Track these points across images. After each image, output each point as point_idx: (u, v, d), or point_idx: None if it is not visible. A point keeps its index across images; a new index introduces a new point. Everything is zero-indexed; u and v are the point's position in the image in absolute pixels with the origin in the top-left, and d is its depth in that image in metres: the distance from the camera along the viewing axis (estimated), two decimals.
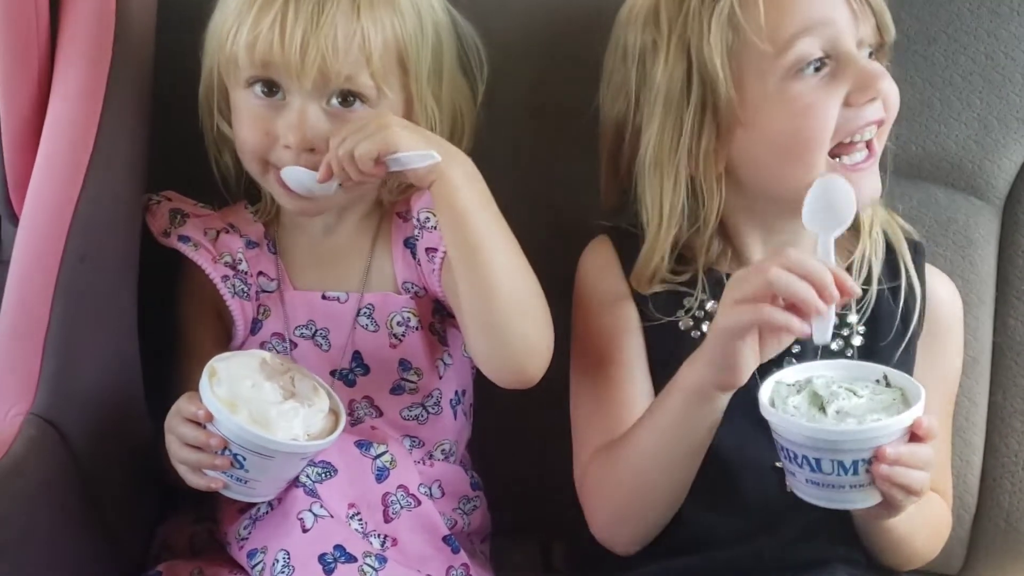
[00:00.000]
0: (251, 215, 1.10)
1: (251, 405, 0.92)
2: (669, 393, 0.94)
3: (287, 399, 0.94)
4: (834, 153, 0.96)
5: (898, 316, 1.02)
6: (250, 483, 0.93)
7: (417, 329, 1.06)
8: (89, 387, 0.99)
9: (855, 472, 0.84)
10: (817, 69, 0.95)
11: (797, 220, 0.93)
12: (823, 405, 0.86)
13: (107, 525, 1.02)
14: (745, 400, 0.98)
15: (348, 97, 0.99)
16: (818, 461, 0.84)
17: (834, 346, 1.01)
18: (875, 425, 0.84)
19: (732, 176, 1.00)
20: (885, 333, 1.02)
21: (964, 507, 1.14)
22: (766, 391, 0.88)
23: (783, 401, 0.87)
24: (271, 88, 0.99)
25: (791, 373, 0.90)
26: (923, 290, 1.04)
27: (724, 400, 0.92)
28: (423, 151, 0.92)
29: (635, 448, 0.96)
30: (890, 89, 0.97)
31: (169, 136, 1.09)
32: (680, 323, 1.02)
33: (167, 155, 1.09)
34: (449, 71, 1.06)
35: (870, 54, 0.98)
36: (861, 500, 0.86)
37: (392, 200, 1.09)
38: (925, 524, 1.00)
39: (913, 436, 0.85)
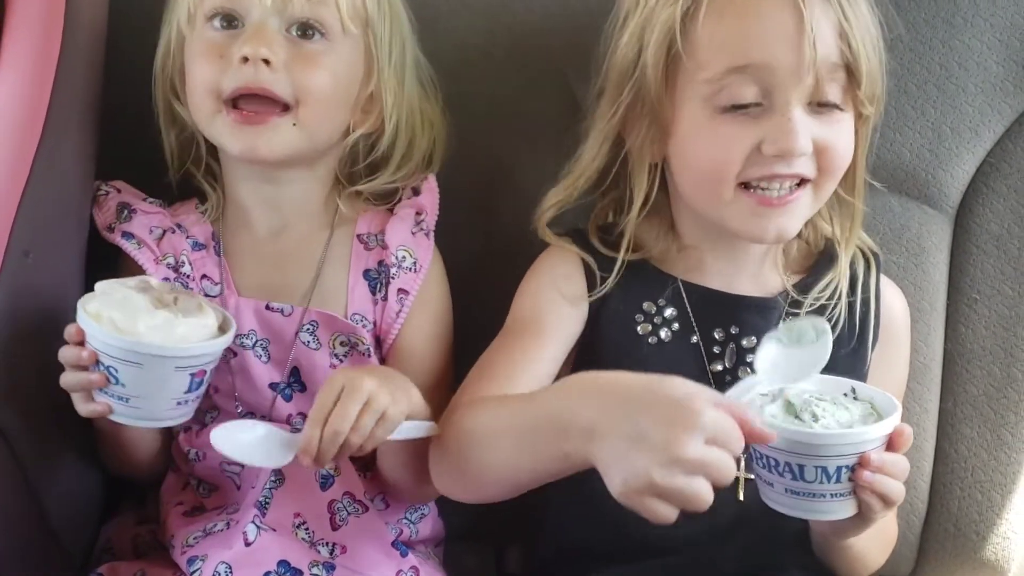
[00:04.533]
0: (200, 214, 1.07)
1: (117, 315, 0.89)
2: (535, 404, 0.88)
3: (158, 309, 0.91)
4: (752, 181, 0.95)
5: (856, 327, 1.02)
6: (131, 401, 0.90)
7: (363, 354, 1.04)
8: (31, 385, 0.96)
9: (838, 479, 0.83)
10: (740, 107, 0.93)
11: (736, 241, 0.95)
12: (797, 414, 0.86)
13: (49, 524, 1.00)
14: None
15: (308, 30, 0.99)
16: (801, 468, 0.83)
17: None
18: (862, 429, 0.83)
19: (673, 180, 1.01)
20: (839, 345, 1.01)
21: (914, 512, 1.15)
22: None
23: (759, 410, 0.86)
24: (230, 22, 0.99)
25: (763, 384, 0.89)
26: (878, 303, 1.04)
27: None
28: (425, 424, 0.94)
29: (485, 428, 0.90)
30: (828, 146, 0.94)
31: (118, 122, 1.07)
32: (638, 327, 1.02)
33: (115, 140, 1.07)
34: (411, 75, 1.07)
35: (828, 105, 0.94)
36: (838, 510, 0.86)
37: (354, 208, 1.08)
38: (879, 538, 1.01)
39: (891, 444, 0.85)
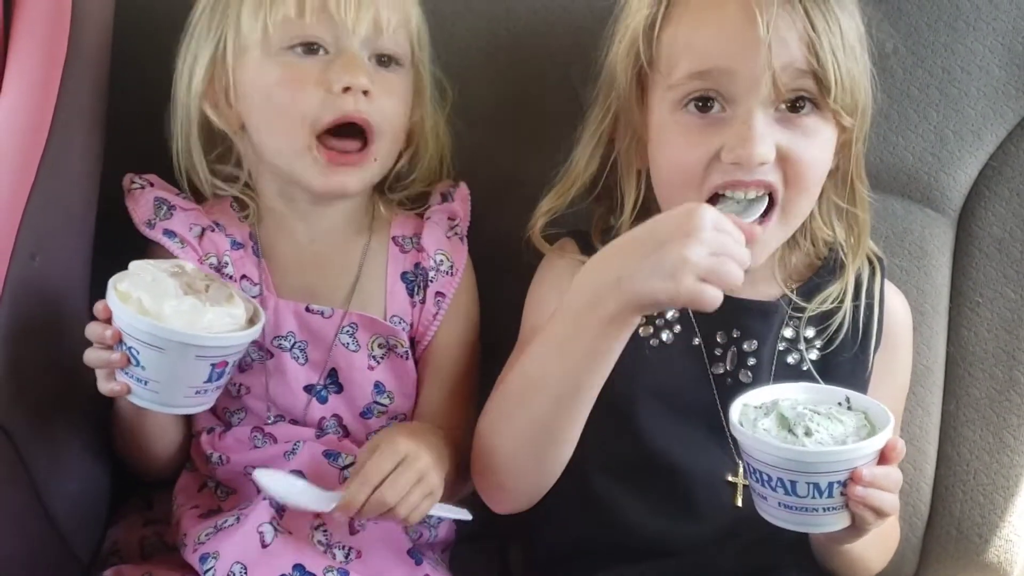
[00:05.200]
0: (237, 215, 1.07)
1: (145, 296, 0.89)
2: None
3: (187, 295, 0.90)
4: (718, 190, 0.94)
5: (860, 332, 1.02)
6: (150, 384, 0.90)
7: (401, 356, 1.05)
8: (37, 387, 0.97)
9: (830, 494, 0.84)
10: (702, 107, 0.93)
11: None
12: (791, 428, 0.86)
13: (56, 526, 1.00)
14: (698, 410, 0.99)
15: (384, 58, 1.01)
16: (793, 483, 0.84)
17: (790, 360, 1.02)
18: (853, 447, 0.84)
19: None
20: (842, 349, 1.02)
21: (917, 515, 1.15)
22: (735, 413, 0.88)
23: (752, 424, 0.87)
24: (310, 47, 0.99)
25: (756, 395, 0.90)
26: (882, 308, 1.04)
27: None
28: (458, 510, 0.97)
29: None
30: (792, 155, 0.92)
31: (123, 124, 1.08)
32: (640, 329, 1.02)
33: (120, 142, 1.07)
34: (429, 85, 1.09)
35: (804, 103, 0.93)
36: (832, 523, 0.86)
37: (390, 211, 1.09)
38: (879, 541, 1.01)
39: (882, 458, 0.85)
